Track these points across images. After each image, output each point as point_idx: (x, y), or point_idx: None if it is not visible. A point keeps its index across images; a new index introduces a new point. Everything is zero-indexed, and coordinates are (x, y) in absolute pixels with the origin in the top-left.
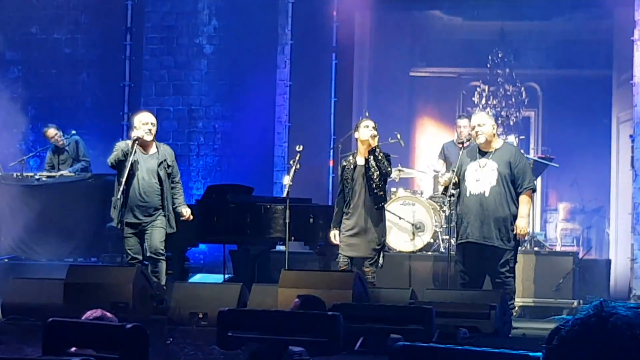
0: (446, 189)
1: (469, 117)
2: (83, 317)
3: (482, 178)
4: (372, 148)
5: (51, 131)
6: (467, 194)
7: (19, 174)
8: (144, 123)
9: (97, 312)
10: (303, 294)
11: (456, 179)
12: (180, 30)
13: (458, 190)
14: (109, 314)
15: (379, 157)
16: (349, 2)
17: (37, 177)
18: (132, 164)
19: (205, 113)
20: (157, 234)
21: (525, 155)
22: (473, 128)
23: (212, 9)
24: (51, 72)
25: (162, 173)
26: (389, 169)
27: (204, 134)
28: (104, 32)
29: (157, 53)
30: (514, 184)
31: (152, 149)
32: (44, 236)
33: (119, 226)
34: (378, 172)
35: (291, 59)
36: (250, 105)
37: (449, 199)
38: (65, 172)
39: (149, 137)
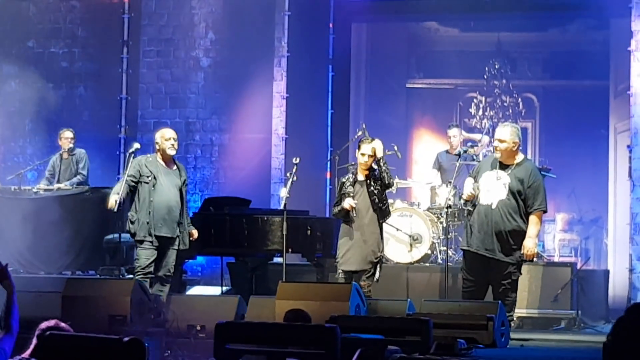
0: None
1: (459, 126)
2: (38, 328)
3: (492, 189)
4: (377, 159)
5: (69, 133)
6: (477, 203)
7: (16, 187)
8: (166, 139)
9: (51, 322)
10: (298, 307)
11: (478, 190)
12: (177, 43)
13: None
14: (63, 324)
15: (383, 168)
16: (345, 14)
17: (34, 190)
18: (155, 177)
19: (202, 126)
20: (173, 255)
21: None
22: (493, 142)
23: (209, 22)
24: (48, 86)
25: (183, 190)
26: (392, 180)
27: (201, 147)
28: (101, 46)
29: (154, 66)
30: (525, 202)
31: (172, 165)
32: (42, 249)
33: (145, 238)
34: (380, 183)
35: (287, 71)
36: (247, 117)
37: (467, 208)
38: (62, 186)
39: (172, 152)
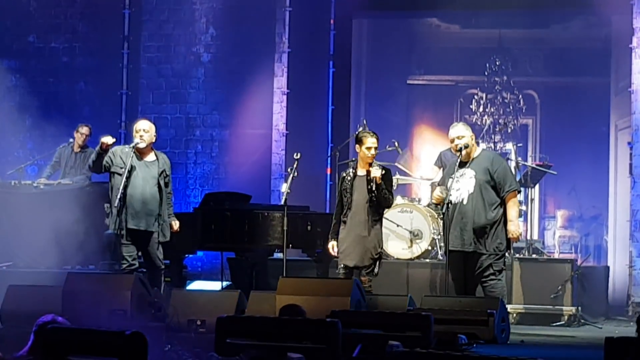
0: (437, 203)
1: (465, 124)
2: (35, 325)
3: (461, 187)
4: (377, 184)
5: (86, 129)
6: (450, 205)
7: (16, 182)
8: (136, 130)
9: (48, 317)
10: (298, 302)
11: (445, 193)
12: (177, 38)
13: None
14: (60, 318)
15: (382, 192)
16: (346, 11)
17: (35, 185)
18: (129, 171)
19: (203, 121)
20: (155, 246)
21: (519, 162)
22: (452, 141)
23: (210, 18)
24: (49, 81)
25: (161, 182)
26: (391, 202)
27: (201, 142)
28: (102, 41)
29: (154, 61)
30: (495, 189)
31: (151, 156)
32: (42, 244)
33: (118, 232)
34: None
35: (288, 67)
36: (248, 113)
37: (441, 211)
38: (63, 181)
39: (142, 145)
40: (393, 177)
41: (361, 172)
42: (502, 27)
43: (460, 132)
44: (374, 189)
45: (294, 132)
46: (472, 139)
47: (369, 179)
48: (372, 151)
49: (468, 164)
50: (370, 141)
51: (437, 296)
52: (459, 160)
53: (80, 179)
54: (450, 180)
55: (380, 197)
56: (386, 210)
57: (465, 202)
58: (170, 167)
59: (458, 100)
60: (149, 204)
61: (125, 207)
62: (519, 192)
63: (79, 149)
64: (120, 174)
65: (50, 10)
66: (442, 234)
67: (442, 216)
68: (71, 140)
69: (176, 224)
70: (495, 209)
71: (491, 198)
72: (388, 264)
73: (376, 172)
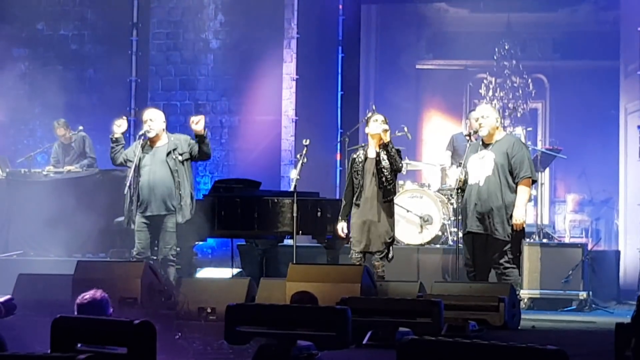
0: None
1: None
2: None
3: (479, 169)
4: (385, 143)
5: (60, 130)
6: (467, 186)
7: (26, 170)
8: (144, 120)
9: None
10: (308, 289)
11: (462, 177)
12: (186, 25)
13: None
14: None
15: (392, 153)
16: None
17: (44, 173)
18: (139, 160)
19: (212, 108)
20: (168, 238)
21: (528, 146)
22: (477, 120)
23: (218, 4)
24: (58, 68)
25: (171, 163)
26: (401, 164)
27: (211, 129)
28: (111, 28)
29: (163, 48)
30: (512, 174)
31: (162, 141)
32: (52, 232)
33: (128, 222)
34: (389, 167)
35: (297, 53)
36: (257, 99)
37: (457, 192)
38: (72, 168)
39: (151, 134)
40: (402, 165)
41: (372, 154)
42: (510, 11)
43: (486, 111)
44: (381, 149)
45: (303, 118)
46: (497, 121)
47: (377, 159)
48: (379, 123)
49: (490, 146)
50: (375, 117)
51: (447, 282)
52: (481, 140)
53: (86, 162)
54: (471, 159)
55: (390, 157)
56: (396, 195)
57: (481, 183)
58: (187, 141)
59: (467, 84)
60: (157, 188)
61: (137, 196)
62: (535, 181)
63: (67, 141)
64: (130, 167)
65: None
66: (452, 218)
67: (456, 195)
68: (80, 127)
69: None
70: (512, 193)
71: (508, 182)
72: (398, 250)
73: (382, 126)
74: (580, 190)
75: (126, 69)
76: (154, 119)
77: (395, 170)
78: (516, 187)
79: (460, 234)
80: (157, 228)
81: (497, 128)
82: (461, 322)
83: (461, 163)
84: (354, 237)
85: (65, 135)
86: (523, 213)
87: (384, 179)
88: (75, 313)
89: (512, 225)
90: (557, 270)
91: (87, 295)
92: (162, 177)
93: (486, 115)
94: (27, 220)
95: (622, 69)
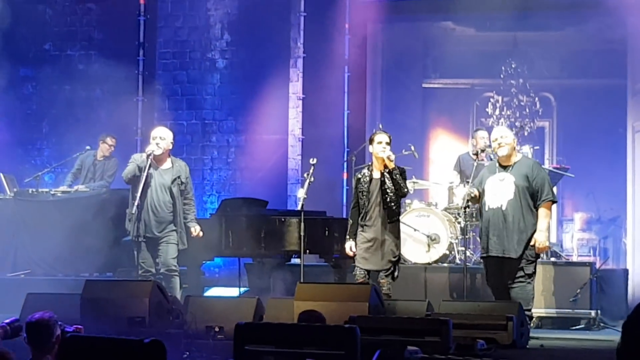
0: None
1: (486, 129)
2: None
3: (500, 192)
4: (389, 170)
5: (114, 140)
6: (486, 208)
7: (34, 189)
8: (153, 137)
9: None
10: (316, 308)
11: (475, 192)
12: (192, 44)
13: (477, 205)
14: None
15: (397, 179)
16: (360, 15)
17: (52, 192)
18: (146, 178)
19: (219, 127)
20: (170, 250)
21: (544, 167)
22: (495, 140)
23: (225, 23)
24: (65, 88)
25: (175, 190)
26: (406, 190)
27: (217, 148)
28: (117, 48)
29: (170, 68)
30: (533, 197)
31: (167, 164)
32: (60, 251)
33: (134, 239)
34: (394, 191)
35: (304, 72)
36: (264, 118)
37: (463, 210)
38: (80, 188)
39: (157, 152)
40: (407, 190)
41: (377, 174)
42: (517, 29)
43: (505, 132)
44: (385, 172)
45: (310, 137)
46: (514, 142)
47: (382, 180)
48: (383, 145)
49: (509, 168)
50: (379, 137)
51: (455, 301)
52: (497, 162)
53: (100, 184)
54: (489, 181)
55: (395, 183)
56: (402, 214)
57: (504, 207)
58: (187, 173)
59: (474, 103)
60: (159, 212)
61: (140, 214)
62: (554, 202)
63: (102, 158)
64: (137, 182)
65: (65, 18)
66: (459, 237)
67: (465, 217)
68: (88, 147)
69: (196, 229)
70: (533, 216)
71: (529, 205)
72: (406, 269)
73: (387, 154)
74: (588, 208)
75: (133, 89)
76: (163, 138)
77: (400, 195)
78: (537, 210)
79: (468, 253)
80: (156, 246)
81: (514, 149)
82: (470, 340)
83: (468, 182)
84: (359, 255)
85: (106, 153)
86: (547, 236)
87: (388, 199)
88: (24, 332)
89: (533, 247)
90: (565, 289)
91: (37, 315)
92: (165, 202)
93: (505, 136)
94: (34, 240)
95: (630, 87)
